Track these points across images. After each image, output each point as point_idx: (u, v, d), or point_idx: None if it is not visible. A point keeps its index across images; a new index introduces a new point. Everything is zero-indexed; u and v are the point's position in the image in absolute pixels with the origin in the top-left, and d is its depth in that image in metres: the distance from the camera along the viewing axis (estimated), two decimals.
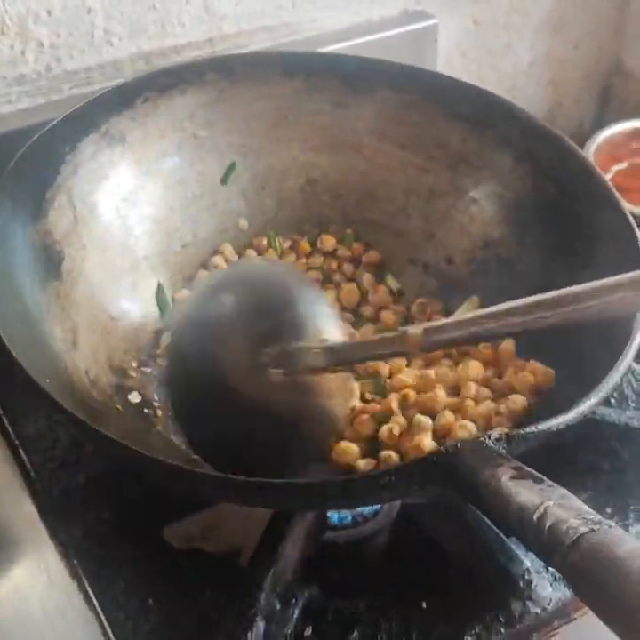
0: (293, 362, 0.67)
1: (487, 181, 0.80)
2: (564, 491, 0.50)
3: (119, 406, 0.69)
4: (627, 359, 0.60)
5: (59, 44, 0.87)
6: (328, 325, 0.69)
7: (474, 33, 1.10)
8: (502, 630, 0.64)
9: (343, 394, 0.71)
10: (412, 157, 0.82)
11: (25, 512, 0.69)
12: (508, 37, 1.13)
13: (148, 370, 0.75)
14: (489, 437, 0.54)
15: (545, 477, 0.51)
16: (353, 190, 0.85)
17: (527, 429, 0.55)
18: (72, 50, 0.88)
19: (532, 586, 0.65)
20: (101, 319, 0.73)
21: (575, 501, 0.49)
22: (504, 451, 0.53)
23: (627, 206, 0.95)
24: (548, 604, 0.65)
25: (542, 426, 0.55)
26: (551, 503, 0.48)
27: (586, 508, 0.48)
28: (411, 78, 0.82)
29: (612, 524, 0.46)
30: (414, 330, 0.64)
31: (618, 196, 0.72)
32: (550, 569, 0.67)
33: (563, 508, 0.47)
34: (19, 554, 0.67)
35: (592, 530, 0.45)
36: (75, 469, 0.71)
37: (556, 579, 0.66)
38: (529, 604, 0.65)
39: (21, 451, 0.73)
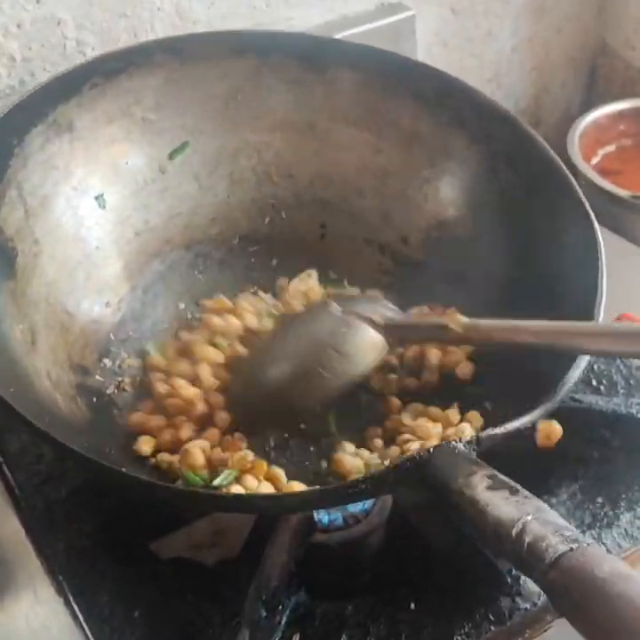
0: None
1: (441, 161, 0.80)
2: (540, 502, 0.50)
3: (83, 408, 0.68)
4: None
5: (31, 57, 0.86)
6: None
7: (453, 22, 1.09)
8: (492, 628, 0.63)
9: None
10: (364, 136, 0.81)
11: (10, 529, 0.69)
12: (488, 24, 1.11)
13: (109, 363, 0.75)
14: (460, 440, 0.54)
15: (519, 487, 0.51)
16: (306, 170, 0.84)
17: (496, 430, 0.56)
18: (45, 62, 0.87)
19: (521, 581, 0.64)
20: (58, 315, 0.72)
21: (551, 514, 0.49)
22: (474, 453, 0.54)
23: (613, 189, 0.95)
24: (538, 599, 0.64)
25: (510, 425, 0.56)
26: (529, 518, 0.48)
27: (563, 522, 0.49)
28: (364, 57, 0.81)
29: (590, 541, 0.47)
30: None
31: (573, 181, 0.71)
32: None
33: (540, 522, 0.48)
34: (4, 571, 0.67)
35: (571, 548, 0.46)
36: (59, 484, 0.71)
37: None
38: (518, 600, 0.64)
39: (5, 467, 0.73)
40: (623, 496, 0.71)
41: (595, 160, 1.05)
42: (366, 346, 0.70)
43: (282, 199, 0.84)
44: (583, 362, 0.60)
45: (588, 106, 1.18)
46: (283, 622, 0.62)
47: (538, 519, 0.48)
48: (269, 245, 0.84)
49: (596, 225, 0.68)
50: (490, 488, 0.50)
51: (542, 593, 0.64)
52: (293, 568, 0.65)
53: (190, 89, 0.78)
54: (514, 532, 0.48)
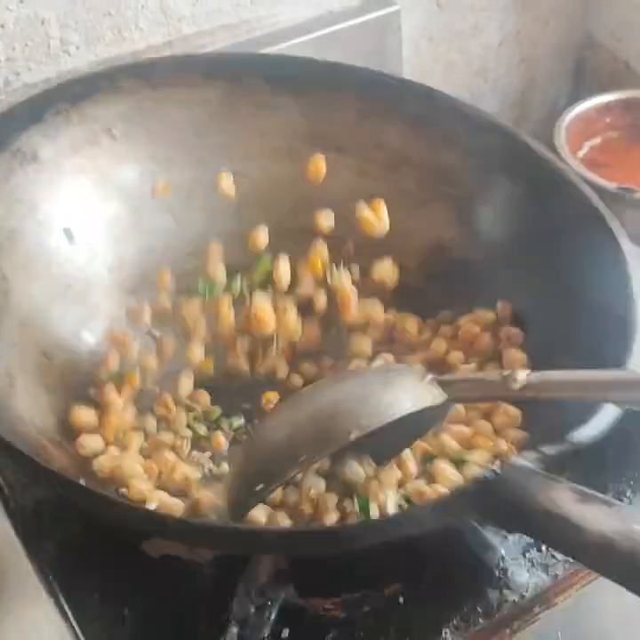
0: None
1: (432, 181, 0.76)
2: None
3: (72, 453, 0.66)
4: None
5: (15, 57, 0.86)
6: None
7: (439, 16, 1.08)
8: (480, 620, 0.63)
9: None
10: (347, 160, 0.77)
11: (0, 529, 0.69)
12: (474, 18, 1.11)
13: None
14: (526, 458, 0.51)
15: (609, 498, 0.48)
16: (286, 198, 0.79)
17: (563, 445, 0.53)
18: (29, 62, 0.87)
19: (508, 574, 0.64)
20: (34, 357, 0.69)
21: None
22: (541, 469, 0.51)
23: (600, 182, 0.95)
24: (526, 591, 0.64)
25: (575, 439, 0.53)
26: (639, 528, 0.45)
27: None
28: (340, 76, 0.78)
29: None
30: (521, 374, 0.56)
31: (582, 182, 0.69)
32: (526, 555, 0.66)
33: None
34: None
35: None
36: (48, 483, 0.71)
37: (533, 565, 0.66)
38: (506, 592, 0.64)
39: None
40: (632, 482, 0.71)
41: (581, 152, 1.04)
42: (416, 384, 0.58)
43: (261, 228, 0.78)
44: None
45: (575, 99, 1.18)
46: (272, 618, 0.62)
47: None
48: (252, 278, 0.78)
49: (614, 227, 0.64)
50: (580, 502, 0.47)
51: (529, 585, 0.65)
52: (282, 565, 0.65)
53: (160, 116, 0.74)
54: (623, 545, 0.44)
